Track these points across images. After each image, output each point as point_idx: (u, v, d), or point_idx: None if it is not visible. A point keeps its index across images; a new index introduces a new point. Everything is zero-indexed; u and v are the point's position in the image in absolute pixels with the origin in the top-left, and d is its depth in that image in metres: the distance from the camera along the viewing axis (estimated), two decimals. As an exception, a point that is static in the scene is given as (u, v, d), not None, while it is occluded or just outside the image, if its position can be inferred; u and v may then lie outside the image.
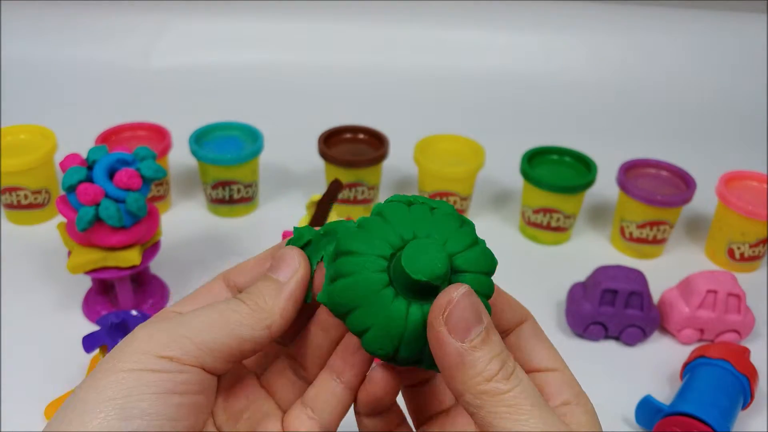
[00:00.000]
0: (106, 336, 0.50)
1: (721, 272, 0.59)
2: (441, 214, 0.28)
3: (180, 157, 0.75)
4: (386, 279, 0.26)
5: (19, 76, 0.95)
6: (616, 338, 0.59)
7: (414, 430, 0.33)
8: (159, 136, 0.72)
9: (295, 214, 0.68)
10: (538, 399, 0.25)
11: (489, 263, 0.27)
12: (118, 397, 0.25)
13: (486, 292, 0.27)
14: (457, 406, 0.33)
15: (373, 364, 0.31)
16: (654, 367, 0.57)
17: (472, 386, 0.25)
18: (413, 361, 0.27)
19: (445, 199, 0.70)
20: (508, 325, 0.30)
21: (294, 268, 0.29)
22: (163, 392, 0.26)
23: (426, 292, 0.26)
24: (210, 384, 0.28)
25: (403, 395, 0.34)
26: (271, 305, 0.29)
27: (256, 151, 0.70)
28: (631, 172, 0.70)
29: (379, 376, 0.30)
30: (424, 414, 0.33)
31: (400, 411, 0.32)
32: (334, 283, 0.27)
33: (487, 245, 0.28)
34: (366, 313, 0.26)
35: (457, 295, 0.25)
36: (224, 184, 0.70)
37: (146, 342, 0.26)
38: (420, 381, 0.33)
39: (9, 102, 0.91)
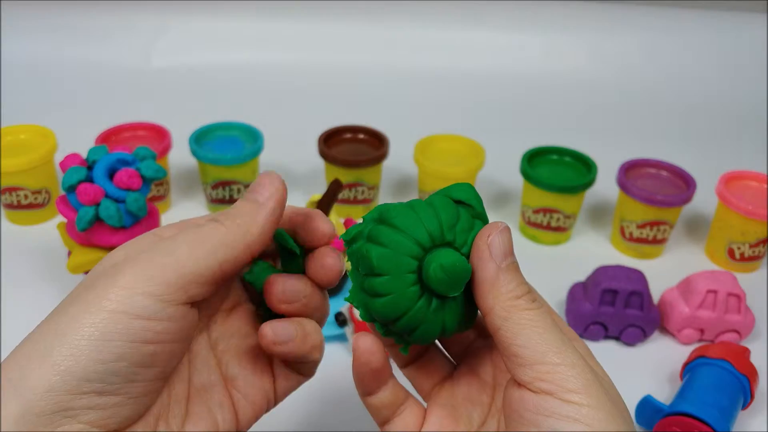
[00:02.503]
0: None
1: (721, 272, 0.59)
2: (480, 228, 0.31)
3: (180, 157, 0.75)
4: (415, 266, 0.29)
5: (19, 76, 0.95)
6: (616, 338, 0.59)
7: (423, 401, 0.35)
8: (159, 136, 0.72)
9: (295, 214, 0.68)
10: (555, 323, 0.29)
11: None
12: (98, 338, 0.25)
13: None
14: (457, 372, 0.35)
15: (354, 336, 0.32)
16: (654, 367, 0.57)
17: (502, 300, 0.29)
18: (405, 332, 0.30)
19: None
20: None
21: (273, 189, 0.31)
22: (142, 341, 0.26)
23: (441, 294, 0.29)
24: (190, 320, 0.29)
25: (406, 376, 0.36)
26: (248, 224, 0.30)
27: (256, 151, 0.70)
28: (631, 172, 0.70)
29: (359, 344, 0.31)
30: (430, 383, 0.35)
31: (401, 386, 0.33)
32: (371, 247, 0.29)
33: None
34: (388, 285, 0.29)
35: (500, 226, 0.30)
36: (224, 184, 0.70)
37: (132, 278, 0.27)
38: (410, 360, 0.35)
39: (9, 102, 0.91)
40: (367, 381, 0.32)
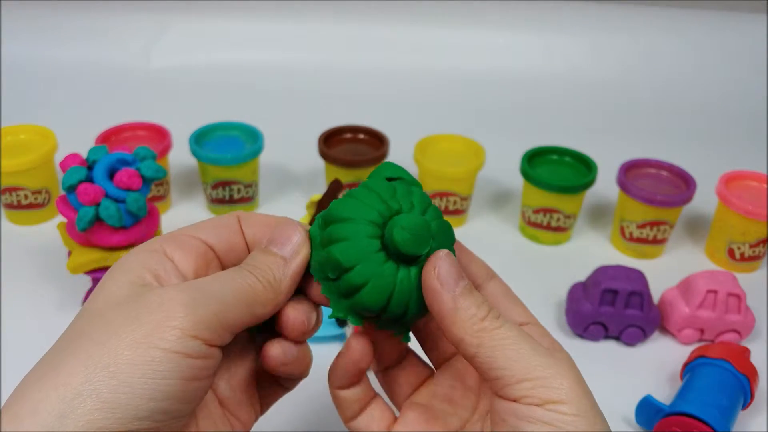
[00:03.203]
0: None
1: (721, 272, 0.59)
2: (418, 192, 0.32)
3: (180, 157, 0.75)
4: (378, 244, 0.30)
5: (19, 76, 0.95)
6: (616, 338, 0.59)
7: (392, 405, 0.35)
8: (159, 136, 0.72)
9: (295, 214, 0.68)
10: (524, 334, 0.29)
11: (452, 234, 0.32)
12: (153, 377, 0.26)
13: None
14: (438, 375, 0.35)
15: (350, 334, 0.32)
16: (654, 367, 0.57)
17: (469, 327, 0.29)
18: (399, 315, 0.31)
19: (445, 199, 0.70)
20: (475, 278, 0.34)
21: (297, 244, 0.31)
22: (190, 378, 0.27)
23: (412, 259, 0.30)
24: (219, 360, 0.29)
25: (379, 381, 0.36)
26: (279, 283, 0.30)
27: (256, 151, 0.70)
28: (631, 172, 0.70)
29: (354, 343, 0.32)
30: (409, 386, 0.36)
31: (371, 385, 0.34)
32: (331, 246, 0.30)
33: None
34: (363, 272, 0.29)
35: (441, 255, 0.30)
36: (224, 184, 0.70)
37: (181, 317, 0.27)
38: (391, 363, 0.36)
39: (9, 102, 0.91)
40: (348, 378, 0.33)
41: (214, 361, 0.28)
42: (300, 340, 0.33)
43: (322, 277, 0.31)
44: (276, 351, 0.32)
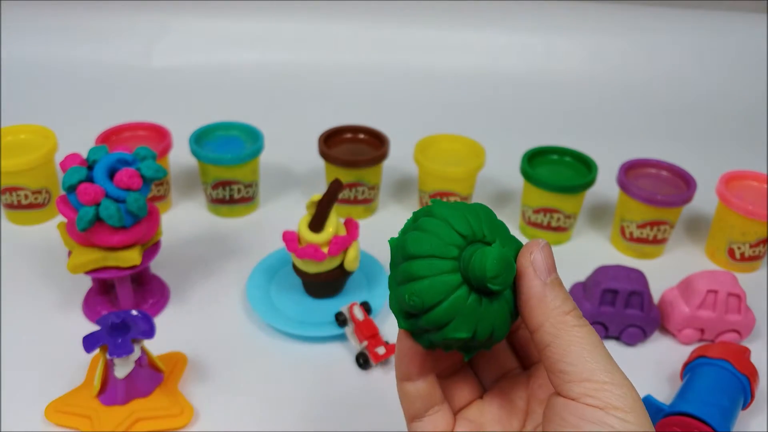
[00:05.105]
0: (107, 336, 0.50)
1: (722, 272, 0.59)
2: (482, 210, 0.31)
3: (180, 157, 0.75)
4: (458, 278, 0.29)
5: (19, 76, 0.95)
6: (616, 338, 0.59)
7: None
8: (159, 136, 0.72)
9: (296, 214, 0.68)
10: (601, 341, 0.30)
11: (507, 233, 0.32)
12: None
13: None
14: (489, 394, 0.35)
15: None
16: (654, 367, 0.57)
17: (552, 316, 0.29)
18: (487, 337, 0.30)
19: (445, 199, 0.70)
20: None
21: None
22: None
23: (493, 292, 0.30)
24: None
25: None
26: None
27: (257, 151, 0.70)
28: (631, 172, 0.70)
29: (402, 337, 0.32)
30: (460, 400, 0.35)
31: (440, 389, 0.34)
32: (409, 285, 0.29)
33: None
34: (448, 310, 0.29)
35: (541, 243, 0.31)
36: (224, 184, 0.70)
37: None
38: (444, 372, 0.35)
39: (9, 102, 0.91)
40: (408, 364, 0.32)
41: None
42: None
43: (401, 314, 0.31)
44: None
